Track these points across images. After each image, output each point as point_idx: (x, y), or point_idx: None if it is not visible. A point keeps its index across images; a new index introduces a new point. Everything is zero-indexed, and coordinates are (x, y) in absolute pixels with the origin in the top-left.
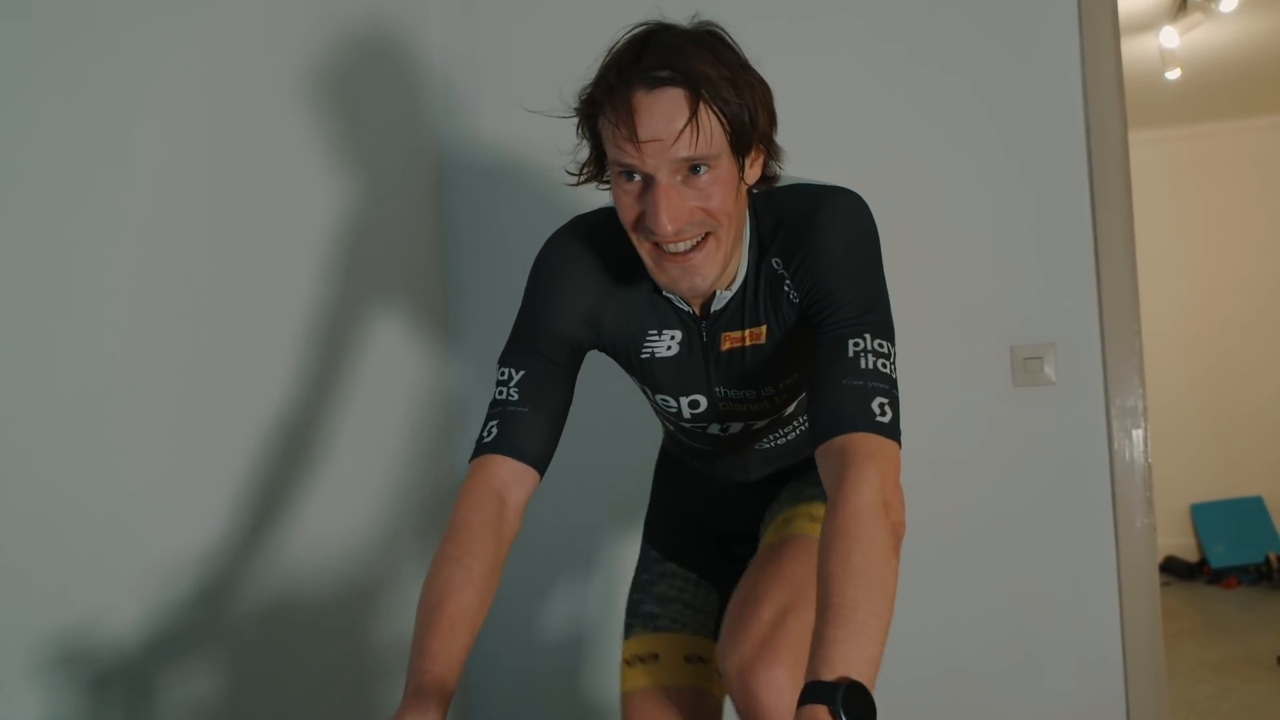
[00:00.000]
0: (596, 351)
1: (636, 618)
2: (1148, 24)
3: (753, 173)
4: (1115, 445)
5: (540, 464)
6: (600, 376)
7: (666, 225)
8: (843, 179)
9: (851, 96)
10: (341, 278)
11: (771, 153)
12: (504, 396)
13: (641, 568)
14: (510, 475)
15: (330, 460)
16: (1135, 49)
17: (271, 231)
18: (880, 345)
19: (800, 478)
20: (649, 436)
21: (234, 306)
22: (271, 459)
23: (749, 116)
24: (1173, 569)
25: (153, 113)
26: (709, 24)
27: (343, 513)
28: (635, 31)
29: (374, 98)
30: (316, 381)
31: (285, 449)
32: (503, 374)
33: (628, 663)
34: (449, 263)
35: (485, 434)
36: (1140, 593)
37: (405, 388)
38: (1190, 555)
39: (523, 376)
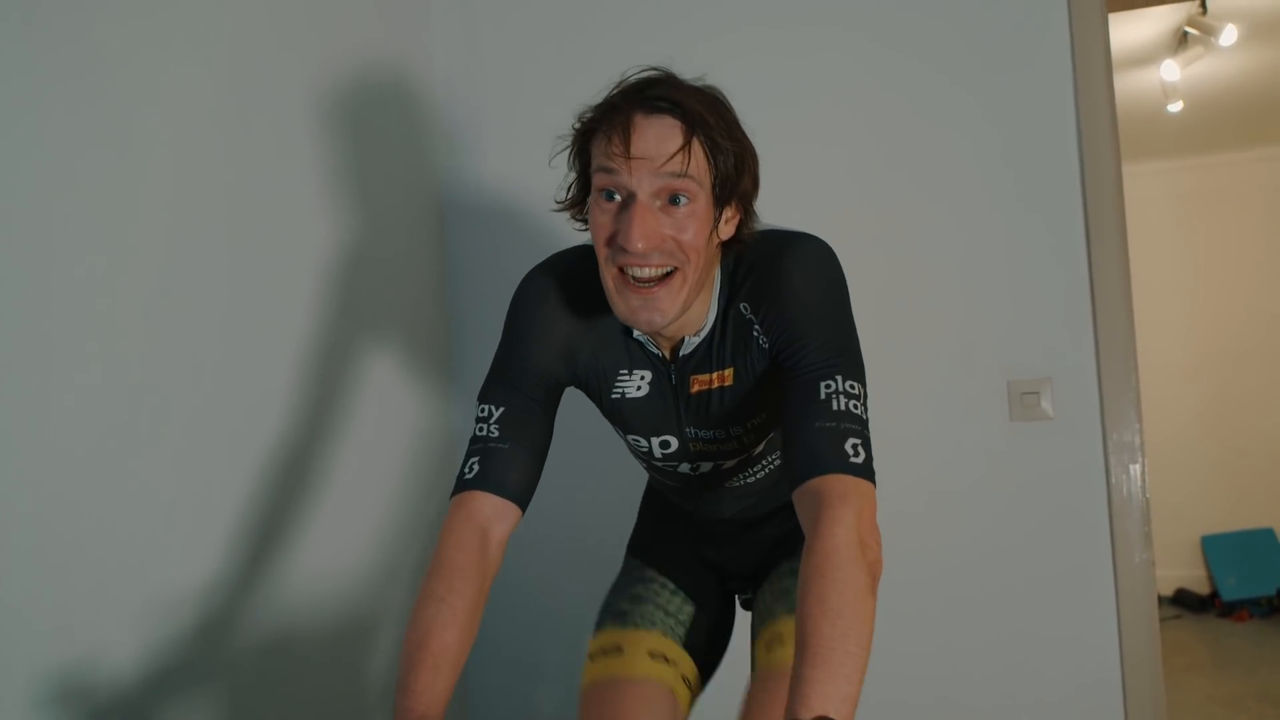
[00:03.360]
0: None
1: (606, 615)
2: (1149, 57)
3: (726, 229)
4: (1113, 480)
5: (522, 500)
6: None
7: (638, 242)
8: (836, 217)
9: (844, 131)
10: (344, 315)
11: (747, 216)
12: (484, 433)
13: (621, 574)
14: (492, 511)
15: (331, 496)
16: (1137, 82)
17: (275, 268)
18: (852, 386)
19: (790, 557)
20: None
21: (235, 342)
22: (272, 494)
23: (734, 168)
24: (1184, 602)
25: (157, 152)
26: (713, 86)
27: (343, 548)
28: (643, 72)
29: (377, 137)
30: (318, 417)
31: (286, 484)
32: (482, 410)
33: (590, 657)
34: (451, 300)
35: (466, 470)
36: (1140, 628)
37: (406, 424)
38: (1201, 588)
39: (502, 413)
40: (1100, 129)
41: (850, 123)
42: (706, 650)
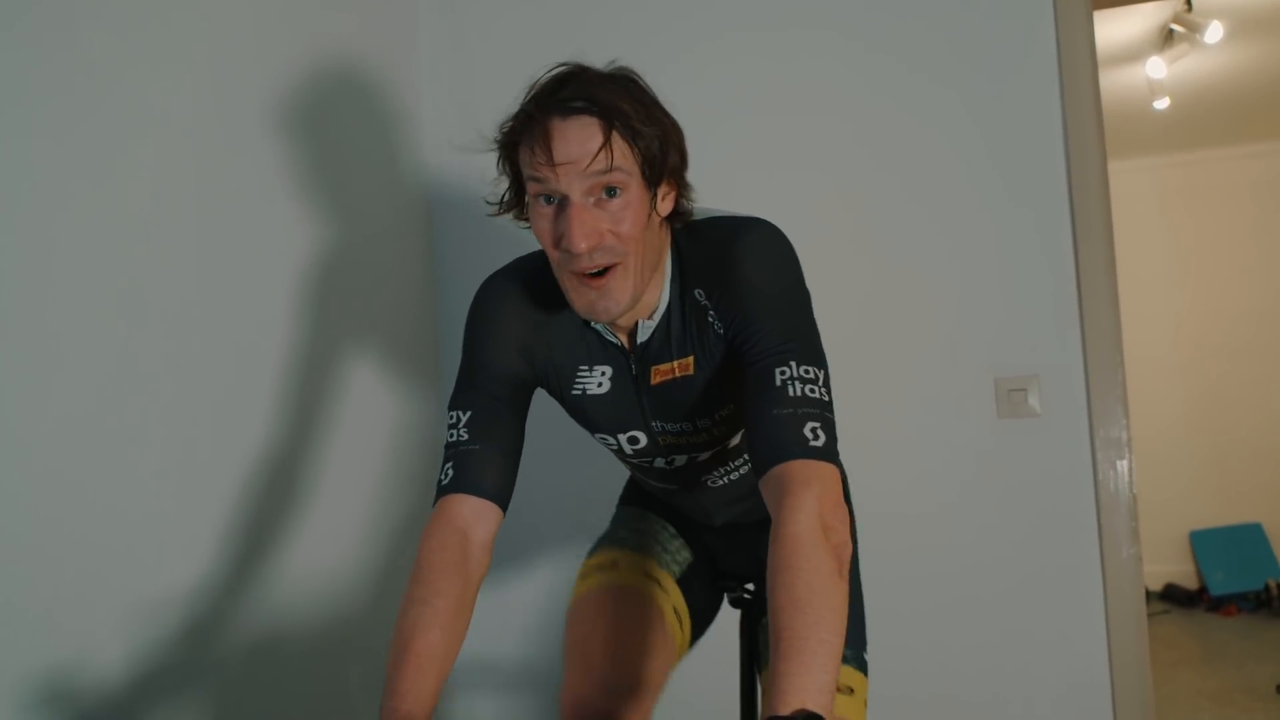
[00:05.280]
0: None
1: (602, 540)
2: (1135, 54)
3: (665, 205)
4: (1100, 476)
5: (500, 498)
6: None
7: (580, 243)
8: (823, 217)
9: (830, 132)
10: (330, 312)
11: (683, 189)
12: (455, 438)
13: (616, 515)
14: (471, 513)
15: (318, 497)
16: (1124, 79)
17: (260, 265)
18: (807, 371)
19: None
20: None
21: (221, 342)
22: (259, 495)
23: (659, 149)
24: (1172, 597)
25: (142, 145)
26: (625, 69)
27: (330, 550)
28: (553, 71)
29: (363, 131)
30: (304, 417)
31: (274, 486)
32: (452, 417)
33: (581, 576)
34: (439, 301)
35: (443, 476)
36: (1127, 622)
37: (393, 425)
38: (1190, 583)
39: (470, 416)
40: (1086, 126)
41: (836, 123)
42: (697, 606)
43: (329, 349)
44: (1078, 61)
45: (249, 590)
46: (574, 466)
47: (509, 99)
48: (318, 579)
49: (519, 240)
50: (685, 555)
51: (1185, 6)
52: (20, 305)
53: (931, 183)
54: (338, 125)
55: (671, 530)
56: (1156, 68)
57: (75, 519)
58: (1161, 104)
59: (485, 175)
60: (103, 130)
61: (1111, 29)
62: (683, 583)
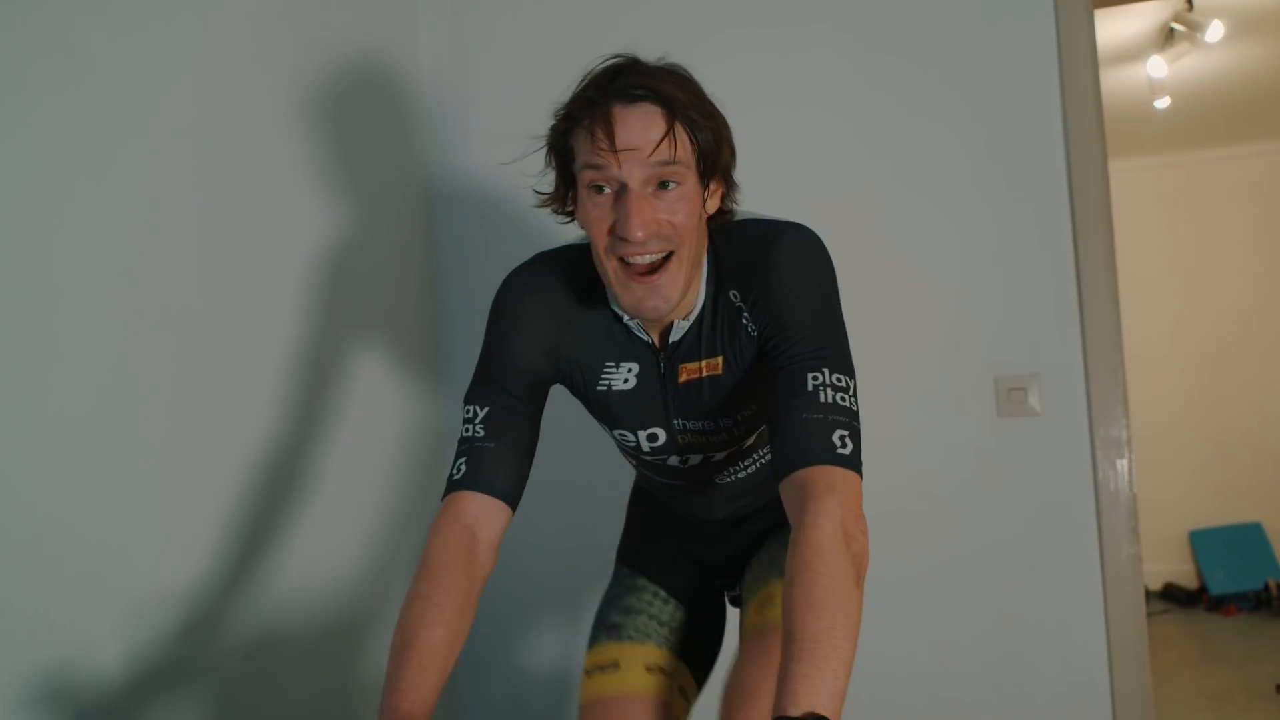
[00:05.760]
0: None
1: (600, 629)
2: (1135, 54)
3: (711, 203)
4: (1100, 475)
5: (511, 498)
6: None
7: (637, 231)
8: (824, 215)
9: (832, 129)
10: (330, 309)
11: (729, 187)
12: (471, 434)
13: (612, 583)
14: (481, 511)
15: (318, 493)
16: (1124, 78)
17: (260, 262)
18: (839, 379)
19: (776, 535)
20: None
21: (221, 339)
22: (259, 492)
23: (714, 143)
24: (1172, 596)
25: (142, 143)
26: (675, 64)
27: (330, 547)
28: (608, 61)
29: (363, 129)
30: (304, 413)
31: (273, 482)
32: (468, 411)
33: (587, 672)
34: (439, 294)
35: (455, 471)
36: (1127, 622)
37: (393, 419)
38: (1189, 582)
39: (488, 413)
40: (1087, 125)
41: (837, 121)
42: (701, 654)
43: (330, 342)
44: (1078, 60)
45: (247, 588)
46: (579, 466)
47: (509, 99)
48: (315, 577)
49: (518, 238)
50: (680, 617)
51: (1186, 5)
52: (20, 304)
53: (932, 181)
54: (337, 124)
55: (664, 595)
56: (1157, 67)
57: (74, 516)
58: (1162, 103)
59: (485, 167)
60: (103, 127)
61: (1112, 28)
62: (684, 646)
